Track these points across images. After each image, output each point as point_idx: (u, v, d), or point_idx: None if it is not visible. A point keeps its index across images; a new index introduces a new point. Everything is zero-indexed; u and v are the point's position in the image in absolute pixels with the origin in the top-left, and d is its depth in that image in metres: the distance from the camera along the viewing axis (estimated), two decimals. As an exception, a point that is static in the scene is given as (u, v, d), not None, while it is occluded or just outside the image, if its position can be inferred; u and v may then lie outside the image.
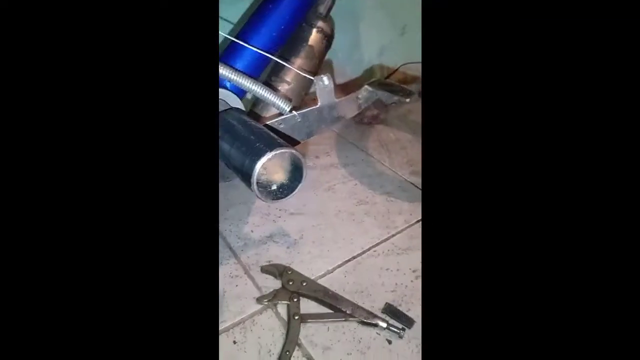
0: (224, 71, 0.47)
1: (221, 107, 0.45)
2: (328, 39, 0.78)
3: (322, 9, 0.77)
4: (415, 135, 1.19)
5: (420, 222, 0.89)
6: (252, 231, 0.88)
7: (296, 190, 0.59)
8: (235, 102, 0.56)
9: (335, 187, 1.01)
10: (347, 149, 1.16)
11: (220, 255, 0.83)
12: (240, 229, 0.89)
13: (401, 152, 1.15)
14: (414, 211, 0.92)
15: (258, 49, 0.48)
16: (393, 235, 0.86)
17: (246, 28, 0.68)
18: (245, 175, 0.40)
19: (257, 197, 0.44)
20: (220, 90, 0.45)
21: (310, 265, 0.80)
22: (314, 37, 0.72)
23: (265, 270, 0.79)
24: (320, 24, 0.77)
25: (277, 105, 0.55)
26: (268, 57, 0.57)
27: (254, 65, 0.60)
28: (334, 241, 0.85)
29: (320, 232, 0.87)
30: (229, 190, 1.00)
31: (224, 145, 0.44)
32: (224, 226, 0.90)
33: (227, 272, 0.79)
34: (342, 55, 1.31)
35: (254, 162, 0.42)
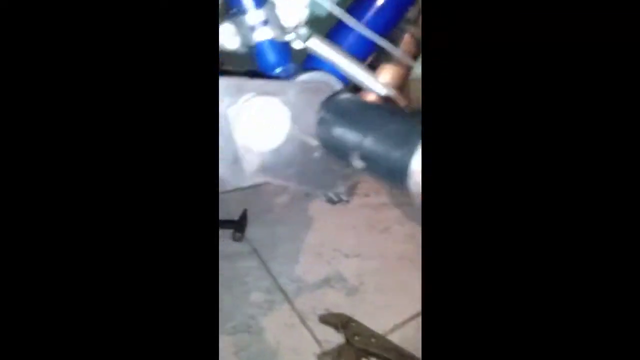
0: (324, 49, 0.37)
1: (328, 93, 0.33)
2: (417, 44, 0.69)
3: (411, 15, 0.70)
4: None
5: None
6: (305, 273, 0.78)
7: None
8: (339, 86, 0.45)
9: (392, 228, 0.93)
10: (397, 188, 1.09)
11: (272, 298, 0.73)
12: (291, 270, 0.79)
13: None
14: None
15: (373, 33, 0.38)
16: (464, 286, 0.75)
17: (356, 5, 0.58)
18: (396, 171, 0.28)
19: (414, 198, 0.30)
20: (323, 74, 0.36)
21: (376, 317, 0.69)
22: (406, 40, 0.64)
23: (324, 320, 0.68)
24: (412, 29, 0.68)
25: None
26: (374, 45, 0.46)
27: (360, 47, 0.48)
28: (400, 289, 0.75)
29: (382, 278, 0.77)
30: (276, 227, 0.91)
31: (349, 136, 0.31)
32: (273, 265, 0.80)
33: (281, 319, 0.69)
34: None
35: (411, 153, 0.29)
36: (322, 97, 0.34)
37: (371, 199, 1.04)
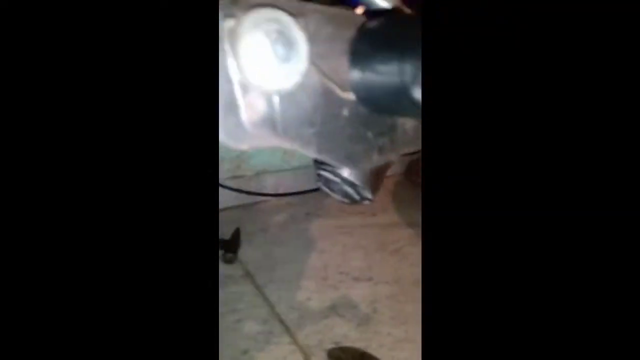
0: None
1: (354, 25, 0.23)
2: None
3: None
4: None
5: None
6: (308, 299, 0.67)
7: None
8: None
9: (404, 249, 0.82)
10: (406, 207, 0.99)
11: (270, 330, 0.61)
12: (292, 296, 0.67)
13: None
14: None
15: None
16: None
17: None
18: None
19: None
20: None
21: (394, 351, 0.58)
22: None
23: (333, 356, 0.57)
24: None
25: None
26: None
27: None
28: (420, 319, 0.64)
29: (399, 305, 0.66)
30: (273, 248, 0.81)
31: (405, 65, 0.20)
32: (270, 290, 0.69)
33: (281, 355, 0.56)
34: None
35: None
36: (353, 31, 0.25)
37: (379, 218, 0.94)
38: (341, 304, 0.66)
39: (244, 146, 0.22)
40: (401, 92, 0.22)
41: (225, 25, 0.20)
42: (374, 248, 0.82)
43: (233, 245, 0.78)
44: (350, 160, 0.26)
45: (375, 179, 0.41)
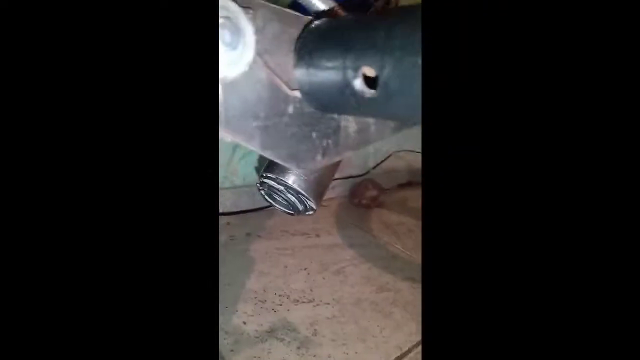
0: None
1: (300, 25, 0.22)
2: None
3: None
4: (419, 221, 1.08)
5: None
6: (244, 323, 0.63)
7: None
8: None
9: (346, 269, 0.82)
10: (348, 228, 1.00)
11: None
12: (227, 320, 0.63)
13: (410, 234, 1.01)
14: (448, 302, 0.74)
15: None
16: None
17: None
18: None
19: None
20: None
21: (335, 374, 0.56)
22: None
23: (270, 382, 0.53)
24: None
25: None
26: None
27: None
28: (361, 339, 0.62)
29: (340, 326, 0.65)
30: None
31: (348, 58, 0.19)
32: (204, 315, 0.64)
33: (212, 385, 0.52)
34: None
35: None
36: (299, 30, 0.24)
37: (322, 239, 0.94)
38: (280, 327, 0.63)
39: None
40: (344, 85, 0.22)
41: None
42: (315, 269, 0.80)
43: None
44: (294, 159, 0.25)
45: (319, 188, 0.41)
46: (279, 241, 0.90)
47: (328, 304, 0.70)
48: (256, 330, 0.61)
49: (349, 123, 0.28)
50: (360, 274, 0.81)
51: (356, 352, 0.59)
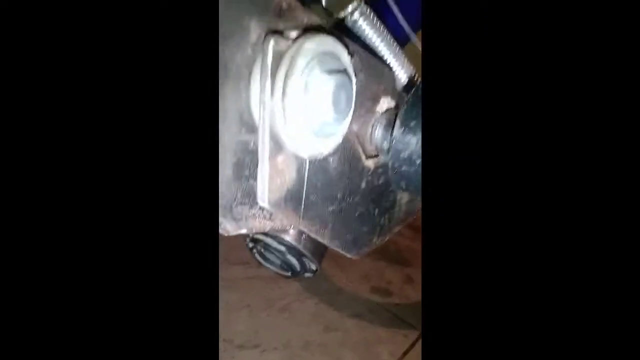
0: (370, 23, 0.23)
1: (386, 80, 0.20)
2: None
3: None
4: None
5: (406, 356, 0.70)
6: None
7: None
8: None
9: (292, 306, 0.76)
10: (289, 257, 0.95)
11: None
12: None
13: (352, 264, 0.99)
14: (394, 340, 0.74)
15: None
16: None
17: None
18: None
19: None
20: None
21: None
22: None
23: None
24: None
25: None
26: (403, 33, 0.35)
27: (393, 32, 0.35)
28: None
29: (291, 376, 0.59)
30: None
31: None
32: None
33: None
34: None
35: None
36: (385, 85, 0.19)
37: (263, 270, 0.87)
38: (225, 381, 0.55)
39: (243, 230, 0.14)
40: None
41: (271, 44, 0.12)
42: (259, 306, 0.73)
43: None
44: (355, 245, 0.21)
45: (322, 247, 0.36)
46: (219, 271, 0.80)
47: (276, 348, 0.64)
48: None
49: (404, 194, 0.24)
50: (307, 312, 0.76)
51: (311, 408, 0.54)
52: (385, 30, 0.21)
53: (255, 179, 0.13)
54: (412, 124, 0.19)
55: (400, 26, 0.32)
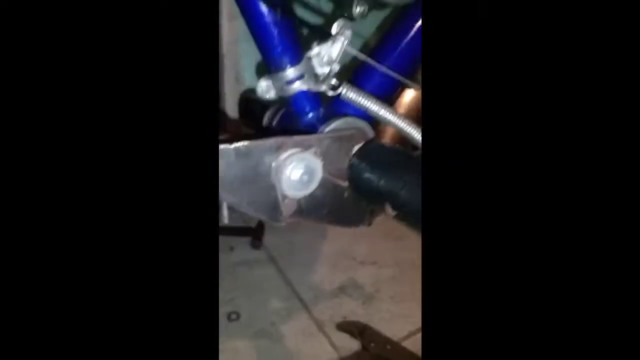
0: (356, 96, 0.39)
1: (359, 140, 0.37)
2: None
3: None
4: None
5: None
6: (321, 281, 0.81)
7: None
8: (370, 131, 0.45)
9: (406, 237, 0.95)
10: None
11: (291, 306, 0.76)
12: (309, 279, 0.82)
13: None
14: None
15: (392, 70, 0.40)
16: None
17: (380, 47, 0.53)
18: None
19: None
20: (354, 119, 0.39)
21: (392, 324, 0.72)
22: None
23: (341, 327, 0.71)
24: None
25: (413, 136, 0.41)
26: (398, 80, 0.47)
27: (385, 87, 0.48)
28: (414, 298, 0.77)
29: (399, 286, 0.80)
30: (293, 236, 0.94)
31: (382, 185, 0.33)
32: (290, 274, 0.83)
33: (300, 328, 0.72)
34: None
35: None
36: (354, 143, 0.37)
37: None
38: (349, 285, 0.80)
39: (282, 224, 0.34)
40: (378, 199, 0.34)
41: (274, 165, 0.32)
42: (378, 236, 0.94)
43: (259, 232, 0.92)
44: (352, 223, 0.39)
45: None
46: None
47: (389, 266, 0.85)
48: (331, 287, 0.79)
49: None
50: (419, 241, 0.93)
51: (410, 308, 0.75)
52: (370, 96, 0.37)
53: None
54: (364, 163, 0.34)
55: (391, 78, 0.40)
